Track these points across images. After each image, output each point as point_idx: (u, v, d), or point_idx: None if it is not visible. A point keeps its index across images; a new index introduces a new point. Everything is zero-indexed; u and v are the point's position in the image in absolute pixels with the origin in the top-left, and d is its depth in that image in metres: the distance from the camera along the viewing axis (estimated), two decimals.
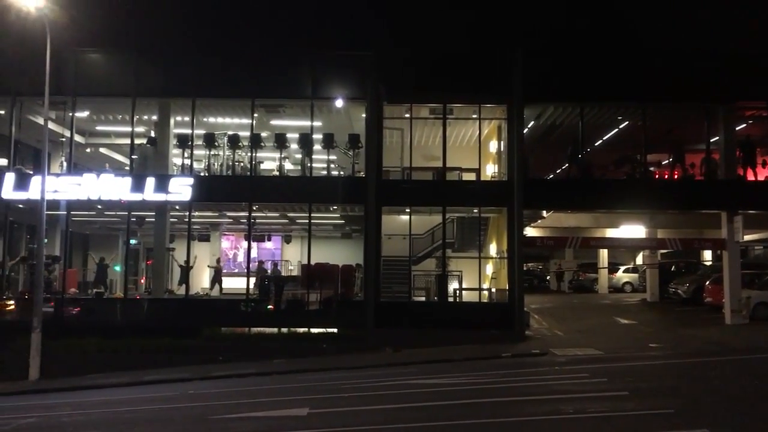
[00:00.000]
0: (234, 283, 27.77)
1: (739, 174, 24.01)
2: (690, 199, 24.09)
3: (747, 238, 26.58)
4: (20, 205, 24.16)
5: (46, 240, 22.33)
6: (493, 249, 27.35)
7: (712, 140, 24.47)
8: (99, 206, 24.47)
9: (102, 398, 16.27)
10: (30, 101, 23.91)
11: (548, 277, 45.72)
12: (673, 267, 34.86)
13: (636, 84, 23.34)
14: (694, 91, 23.40)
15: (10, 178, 22.92)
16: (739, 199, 23.72)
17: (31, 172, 23.92)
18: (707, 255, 39.19)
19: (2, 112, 24.38)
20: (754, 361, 17.12)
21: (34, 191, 22.03)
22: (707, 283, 27.53)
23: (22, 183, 22.84)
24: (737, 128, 24.54)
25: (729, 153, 23.88)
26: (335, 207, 25.61)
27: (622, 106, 24.47)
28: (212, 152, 24.82)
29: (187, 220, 24.40)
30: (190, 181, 23.14)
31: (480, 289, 24.42)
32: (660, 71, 23.49)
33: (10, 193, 22.84)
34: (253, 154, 24.12)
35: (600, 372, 15.66)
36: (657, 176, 27.07)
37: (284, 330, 22.97)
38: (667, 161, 26.96)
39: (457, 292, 24.88)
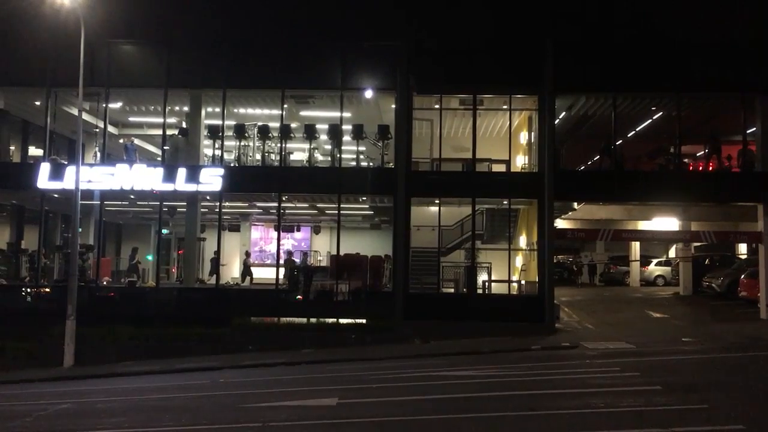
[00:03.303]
0: (264, 273, 27.97)
1: None
2: (726, 191, 23.65)
3: None
4: (55, 195, 24.56)
5: (80, 229, 22.68)
6: (522, 241, 27.14)
7: (749, 131, 23.97)
8: (131, 196, 24.77)
9: (135, 385, 16.52)
10: (64, 92, 24.31)
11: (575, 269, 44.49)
12: (707, 260, 34.24)
13: (670, 74, 22.92)
14: (730, 80, 22.95)
15: (45, 168, 23.33)
16: None
17: (66, 162, 24.29)
18: (742, 248, 38.40)
19: (38, 103, 24.84)
20: None
21: (68, 181, 22.37)
22: (742, 277, 27.03)
23: (57, 173, 23.23)
24: None
25: (766, 144, 23.33)
26: (364, 198, 25.61)
27: (656, 96, 24.06)
28: (242, 143, 24.97)
29: (217, 210, 24.63)
30: (221, 171, 23.32)
31: (509, 281, 24.25)
32: (695, 60, 23.06)
33: (45, 182, 23.25)
34: (283, 145, 24.21)
35: (632, 366, 15.46)
36: (692, 168, 26.60)
37: (313, 320, 23.07)
38: (702, 152, 26.44)
39: (486, 284, 24.73)
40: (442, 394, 12.97)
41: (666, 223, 29.53)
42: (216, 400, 13.87)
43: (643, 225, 30.19)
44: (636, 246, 37.88)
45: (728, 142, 25.31)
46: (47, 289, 24.42)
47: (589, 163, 29.96)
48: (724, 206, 26.99)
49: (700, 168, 26.25)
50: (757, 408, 11.04)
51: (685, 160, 25.65)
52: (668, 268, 38.33)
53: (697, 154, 27.53)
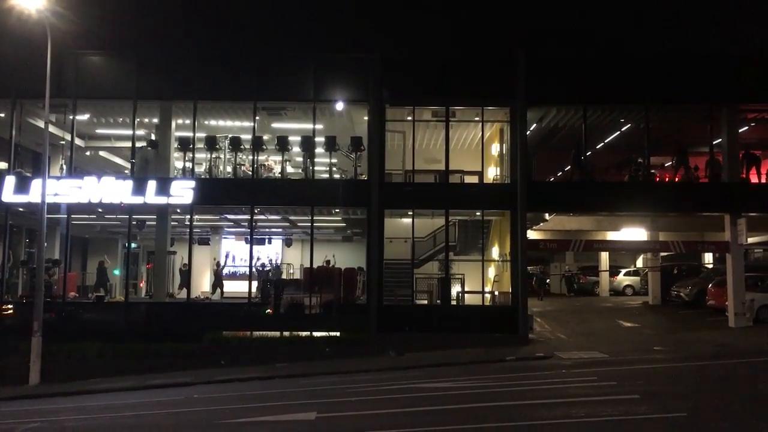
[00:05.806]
0: (235, 287, 27.60)
1: (742, 176, 23.98)
2: (693, 201, 24.03)
3: (749, 240, 26.52)
4: (20, 209, 23.99)
5: (46, 244, 22.13)
6: (495, 252, 27.24)
7: (714, 142, 24.45)
8: (99, 209, 24.31)
9: (105, 403, 16.09)
10: (30, 104, 23.77)
11: (548, 281, 44.47)
12: (675, 270, 34.77)
13: (639, 86, 23.28)
14: (696, 92, 23.39)
15: (10, 181, 22.75)
16: (742, 201, 23.66)
17: (31, 175, 23.73)
18: (708, 258, 39.10)
19: (2, 115, 24.22)
20: (762, 363, 17.04)
21: (34, 194, 21.86)
22: (710, 285, 27.49)
23: (22, 186, 22.67)
24: (740, 130, 24.54)
25: (732, 155, 23.83)
26: (337, 210, 25.48)
27: (624, 108, 24.41)
28: (214, 155, 24.66)
29: (188, 223, 24.26)
30: (192, 184, 22.98)
31: (483, 293, 24.31)
32: (663, 73, 23.42)
33: (10, 196, 22.67)
34: (255, 157, 23.98)
35: (607, 375, 15.56)
36: (659, 179, 27.03)
37: (286, 333, 22.76)
38: (669, 163, 26.90)
39: (460, 295, 24.75)
40: (421, 407, 12.87)
41: (634, 233, 29.90)
42: (191, 417, 13.57)
43: (612, 235, 30.54)
44: (605, 256, 38.31)
45: (695, 153, 25.77)
46: (10, 306, 23.72)
47: (560, 174, 30.25)
48: (691, 216, 27.44)
49: (667, 179, 26.70)
50: (734, 414, 11.15)
51: (653, 171, 26.05)
52: (637, 278, 38.82)
53: (665, 165, 28.00)
